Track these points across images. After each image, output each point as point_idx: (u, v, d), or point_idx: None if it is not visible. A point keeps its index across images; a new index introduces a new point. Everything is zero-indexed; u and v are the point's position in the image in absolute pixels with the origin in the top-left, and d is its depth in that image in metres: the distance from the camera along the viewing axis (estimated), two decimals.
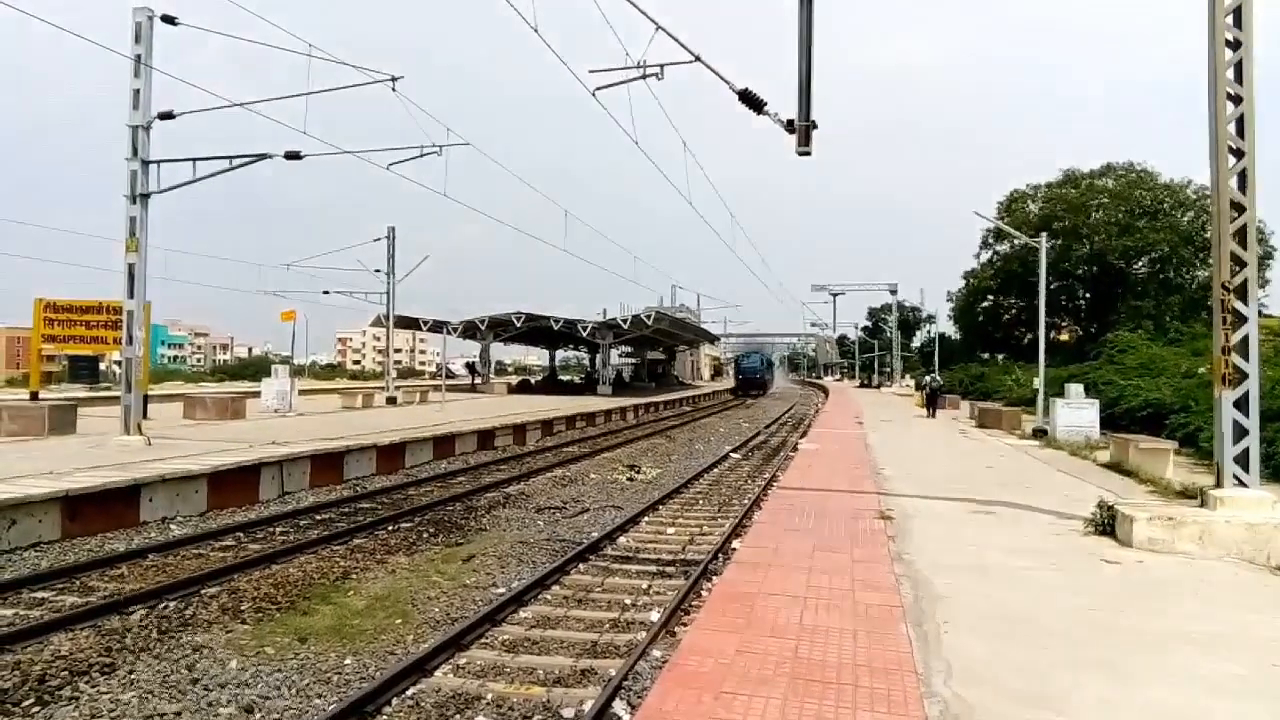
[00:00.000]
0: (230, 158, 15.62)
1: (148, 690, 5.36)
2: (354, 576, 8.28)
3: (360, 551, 9.37)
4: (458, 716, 5.08)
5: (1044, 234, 29.53)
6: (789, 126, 9.49)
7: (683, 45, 10.28)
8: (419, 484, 14.52)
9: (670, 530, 10.82)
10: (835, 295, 74.22)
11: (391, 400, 32.16)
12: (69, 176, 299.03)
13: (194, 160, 15.39)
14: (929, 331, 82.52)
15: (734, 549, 8.55)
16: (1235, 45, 7.85)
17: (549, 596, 7.70)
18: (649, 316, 45.84)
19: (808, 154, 9.52)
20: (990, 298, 57.52)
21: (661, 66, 11.08)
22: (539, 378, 67.51)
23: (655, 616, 6.89)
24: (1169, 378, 22.57)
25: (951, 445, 19.29)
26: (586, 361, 69.42)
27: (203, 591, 7.54)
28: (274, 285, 46.56)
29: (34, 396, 20.57)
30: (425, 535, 10.38)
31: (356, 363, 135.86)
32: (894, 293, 72.15)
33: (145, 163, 15.02)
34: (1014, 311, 55.57)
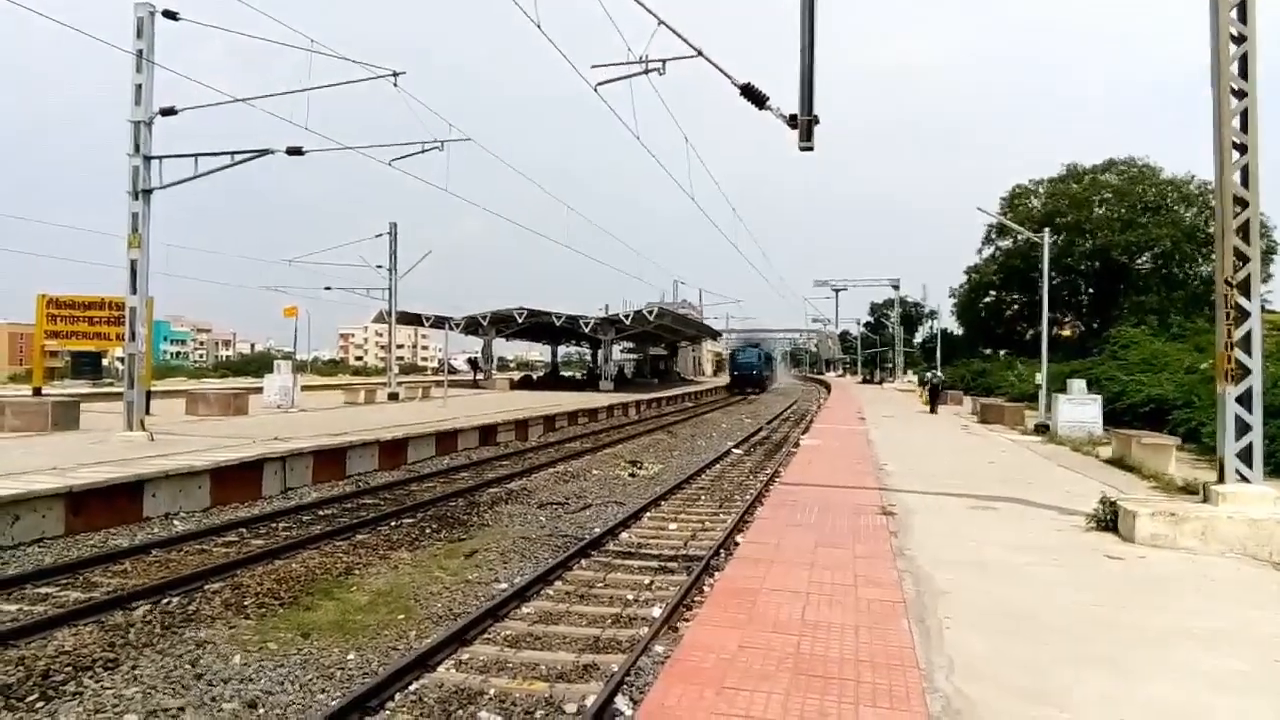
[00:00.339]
0: (232, 153, 15.62)
1: (151, 685, 5.37)
2: (357, 572, 8.30)
3: (363, 547, 9.39)
4: (460, 712, 5.09)
5: (1046, 229, 29.39)
6: (791, 121, 9.46)
7: (685, 40, 10.27)
8: (421, 479, 14.53)
9: (672, 526, 10.83)
10: (837, 290, 74.26)
11: (394, 396, 32.18)
12: (69, 176, 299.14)
13: (196, 156, 15.41)
14: (931, 327, 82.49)
15: (736, 544, 8.56)
16: (1240, 40, 7.82)
17: (551, 592, 7.71)
18: (651, 312, 45.66)
19: (810, 149, 9.50)
20: (993, 293, 57.51)
21: (663, 62, 11.08)
22: (541, 373, 67.64)
23: (657, 612, 6.90)
24: (1171, 373, 22.55)
25: (953, 441, 19.28)
26: (589, 357, 69.28)
27: (206, 587, 7.55)
28: (276, 281, 46.72)
29: (37, 392, 20.66)
30: (428, 531, 10.39)
31: (359, 359, 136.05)
32: (896, 288, 72.13)
33: (147, 158, 15.02)
34: (1016, 307, 55.52)
